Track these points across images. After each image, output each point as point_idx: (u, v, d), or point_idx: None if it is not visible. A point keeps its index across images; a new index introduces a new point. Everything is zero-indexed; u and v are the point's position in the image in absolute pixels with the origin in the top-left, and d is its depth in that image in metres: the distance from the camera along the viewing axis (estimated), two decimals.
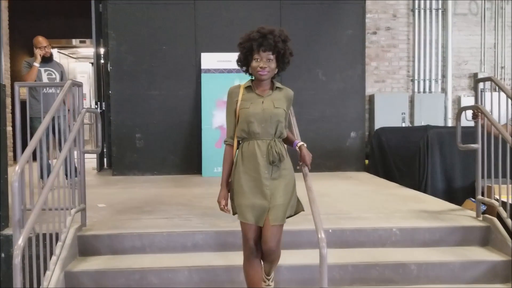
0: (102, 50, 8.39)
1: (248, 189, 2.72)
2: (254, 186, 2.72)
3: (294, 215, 2.87)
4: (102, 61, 8.49)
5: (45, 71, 5.83)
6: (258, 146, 2.72)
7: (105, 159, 8.38)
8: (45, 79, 5.79)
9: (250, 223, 2.71)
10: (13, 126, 3.81)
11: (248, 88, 2.83)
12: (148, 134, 7.31)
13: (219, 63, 7.16)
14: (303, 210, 2.89)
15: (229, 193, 2.84)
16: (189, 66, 7.32)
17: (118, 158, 7.35)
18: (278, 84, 2.85)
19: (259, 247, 2.78)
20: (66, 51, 10.37)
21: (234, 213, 2.85)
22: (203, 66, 7.22)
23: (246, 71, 2.86)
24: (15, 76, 8.76)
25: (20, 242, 2.40)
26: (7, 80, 7.85)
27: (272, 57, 2.71)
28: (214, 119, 7.19)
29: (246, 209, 2.71)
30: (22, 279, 2.46)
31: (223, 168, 2.86)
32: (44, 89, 5.52)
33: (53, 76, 5.91)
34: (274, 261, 2.86)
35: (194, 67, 7.31)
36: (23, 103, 3.77)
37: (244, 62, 2.81)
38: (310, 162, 2.88)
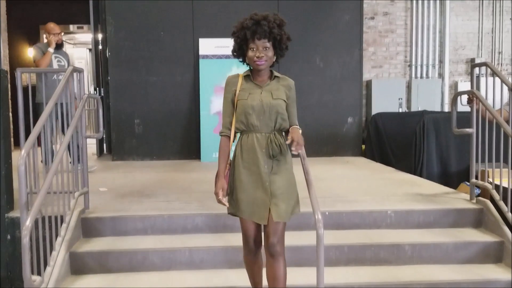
0: (100, 36, 8.41)
1: (248, 184, 2.60)
2: (254, 181, 2.60)
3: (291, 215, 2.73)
4: (100, 47, 8.51)
5: (55, 57, 5.91)
6: (257, 140, 2.60)
7: (104, 145, 8.46)
8: (55, 65, 5.87)
9: (250, 221, 2.63)
10: (13, 112, 3.86)
11: (247, 77, 2.69)
12: (147, 120, 7.37)
13: (217, 49, 7.20)
14: (299, 212, 2.76)
15: (227, 186, 2.69)
16: (187, 52, 7.35)
17: (117, 144, 7.42)
18: (276, 74, 2.71)
19: (260, 245, 2.72)
20: (63, 37, 10.33)
21: (229, 212, 2.72)
22: (201, 52, 7.26)
23: (243, 62, 2.71)
24: (13, 62, 8.79)
25: (28, 223, 2.48)
26: (6, 66, 7.88)
27: (268, 44, 2.56)
28: (212, 105, 7.25)
29: (247, 205, 2.61)
30: (30, 258, 2.54)
31: (220, 159, 2.70)
32: (55, 76, 5.62)
33: (62, 63, 5.99)
34: (278, 268, 2.66)
35: (192, 53, 7.35)
36: (25, 89, 3.82)
37: (240, 53, 2.67)
38: (301, 144, 2.56)
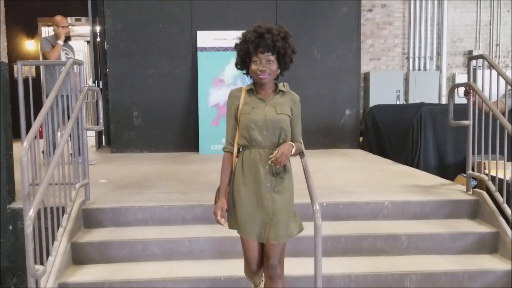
0: (98, 29, 8.41)
1: (248, 202, 2.51)
2: (255, 199, 2.51)
3: (299, 232, 2.67)
4: (98, 39, 8.51)
5: (63, 50, 5.95)
6: (260, 156, 2.50)
7: (103, 137, 8.48)
8: (63, 58, 5.91)
9: (252, 241, 2.54)
10: (12, 104, 3.89)
11: (250, 91, 2.59)
12: (145, 112, 7.39)
13: (214, 41, 7.21)
14: (297, 233, 2.67)
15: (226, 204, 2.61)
16: (185, 44, 7.36)
17: (116, 136, 7.45)
18: (281, 87, 2.62)
19: (262, 266, 2.65)
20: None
21: (231, 227, 2.64)
22: (199, 44, 7.27)
23: (247, 74, 2.60)
24: (11, 55, 8.76)
25: (31, 213, 2.52)
26: (4, 59, 7.88)
27: (272, 58, 2.46)
28: (210, 97, 7.27)
29: (248, 224, 2.53)
30: (33, 248, 2.58)
31: (222, 176, 2.59)
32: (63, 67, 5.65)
33: (69, 55, 6.03)
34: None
35: (190, 45, 7.36)
36: (25, 81, 3.84)
37: (243, 65, 2.58)
38: (279, 159, 2.42)
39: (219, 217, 2.52)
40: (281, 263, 2.61)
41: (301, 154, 2.75)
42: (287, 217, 2.56)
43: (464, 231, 3.76)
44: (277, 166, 2.48)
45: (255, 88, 2.59)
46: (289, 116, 2.55)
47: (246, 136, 2.52)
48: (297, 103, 2.61)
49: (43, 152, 4.18)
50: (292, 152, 2.51)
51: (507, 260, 3.53)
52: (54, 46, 5.78)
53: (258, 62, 2.46)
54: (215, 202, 2.60)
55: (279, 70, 2.56)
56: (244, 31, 2.51)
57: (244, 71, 2.62)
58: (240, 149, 2.60)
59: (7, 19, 8.81)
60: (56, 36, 5.87)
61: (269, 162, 2.45)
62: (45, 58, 5.76)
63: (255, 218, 2.51)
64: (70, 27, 6.06)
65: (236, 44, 2.55)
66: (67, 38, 6.00)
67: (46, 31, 10.02)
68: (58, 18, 5.92)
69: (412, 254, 3.64)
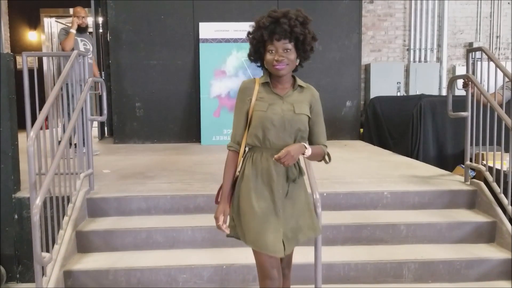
0: (100, 20, 8.43)
1: (261, 211, 2.20)
2: (269, 208, 2.22)
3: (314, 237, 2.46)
4: (101, 30, 8.54)
5: (81, 41, 6.00)
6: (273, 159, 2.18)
7: (106, 128, 8.54)
8: (81, 48, 5.97)
9: (271, 255, 2.19)
10: (17, 95, 3.94)
11: (266, 84, 2.27)
12: (147, 103, 7.44)
13: (217, 33, 7.23)
14: (313, 236, 2.43)
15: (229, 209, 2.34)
16: (187, 35, 7.39)
17: (119, 127, 7.50)
18: (300, 82, 2.33)
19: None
20: (63, 20, 10.34)
21: (232, 235, 2.36)
22: (201, 36, 7.30)
23: (261, 66, 2.31)
24: (14, 45, 8.82)
25: (37, 201, 2.58)
26: (7, 50, 7.93)
27: (289, 46, 2.17)
28: (212, 89, 7.31)
29: (265, 236, 2.18)
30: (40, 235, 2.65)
31: (225, 176, 2.31)
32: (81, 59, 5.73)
33: (88, 46, 6.10)
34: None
35: (193, 36, 7.39)
36: (30, 71, 3.89)
37: (257, 56, 2.27)
38: (282, 159, 2.10)
39: (220, 223, 2.28)
40: (289, 265, 2.47)
41: (325, 158, 2.38)
42: (302, 224, 2.30)
43: (462, 220, 3.81)
44: (289, 182, 2.25)
45: (271, 81, 2.28)
46: (308, 116, 2.28)
47: (259, 136, 2.22)
48: (317, 100, 2.36)
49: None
50: (306, 155, 2.19)
51: (504, 249, 3.59)
52: (68, 34, 5.85)
53: (274, 51, 2.17)
54: (216, 201, 2.37)
55: (298, 60, 2.26)
56: (257, 17, 2.22)
57: (258, 63, 2.32)
58: (246, 149, 2.32)
59: (10, 10, 8.88)
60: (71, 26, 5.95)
61: (273, 158, 2.15)
62: (62, 47, 5.83)
63: (268, 228, 2.19)
64: (86, 18, 6.10)
65: (249, 33, 2.25)
66: (84, 29, 6.05)
67: (49, 22, 10.05)
68: (77, 8, 6.00)
69: (410, 243, 3.69)
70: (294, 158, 2.13)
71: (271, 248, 2.17)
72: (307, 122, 2.27)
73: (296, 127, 2.21)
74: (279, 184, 2.23)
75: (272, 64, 2.17)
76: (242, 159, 2.32)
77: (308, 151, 2.19)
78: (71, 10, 10.56)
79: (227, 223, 2.33)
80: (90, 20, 8.82)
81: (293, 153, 2.11)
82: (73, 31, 5.84)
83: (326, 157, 2.37)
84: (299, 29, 2.16)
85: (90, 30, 7.72)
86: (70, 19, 11.28)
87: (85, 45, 6.06)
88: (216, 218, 2.30)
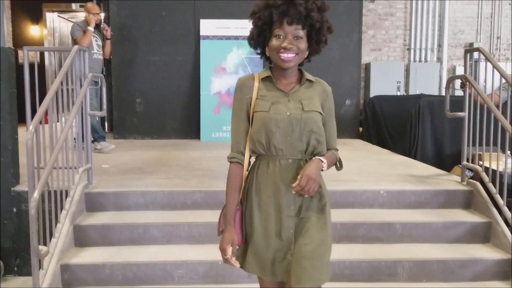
0: (102, 15, 8.44)
1: (263, 231, 1.88)
2: (272, 228, 1.87)
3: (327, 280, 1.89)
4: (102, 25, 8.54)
5: (93, 37, 6.05)
6: (281, 169, 1.85)
7: (106, 123, 8.57)
8: (94, 45, 6.04)
9: (270, 282, 1.92)
10: (17, 90, 3.96)
11: (267, 80, 1.91)
12: (148, 99, 7.48)
13: (218, 30, 7.26)
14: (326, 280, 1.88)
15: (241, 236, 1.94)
16: (188, 32, 7.42)
17: (118, 122, 7.54)
18: (308, 76, 1.96)
19: None
20: (65, 15, 10.37)
21: (249, 270, 1.96)
22: (202, 33, 7.32)
23: (262, 54, 1.95)
24: (16, 40, 8.84)
25: (35, 195, 2.61)
26: (8, 44, 7.95)
27: (302, 33, 1.81)
28: (212, 85, 7.34)
29: (265, 261, 1.89)
30: (37, 229, 2.67)
31: (228, 197, 1.91)
32: (94, 55, 5.92)
33: (99, 42, 6.17)
34: None
35: (193, 33, 7.41)
36: (31, 66, 3.91)
37: (259, 41, 1.89)
38: (305, 188, 1.76)
39: (229, 256, 1.86)
40: None
41: (337, 165, 2.06)
42: (318, 250, 1.84)
43: (458, 220, 3.82)
44: (305, 196, 1.84)
45: (273, 76, 1.92)
46: (320, 113, 1.90)
47: (263, 142, 1.85)
48: (329, 97, 1.97)
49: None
50: (324, 169, 1.86)
51: (499, 249, 3.60)
52: (86, 32, 5.89)
53: (282, 37, 1.80)
54: (219, 230, 1.98)
55: (307, 52, 1.91)
56: None
57: (258, 50, 1.95)
58: (250, 159, 1.94)
59: (13, 5, 8.90)
60: (86, 23, 5.97)
61: (293, 191, 1.80)
62: (76, 43, 5.88)
63: (275, 252, 1.87)
64: (100, 13, 6.16)
65: (253, 12, 1.86)
66: (97, 25, 6.09)
67: (51, 16, 10.07)
68: (89, 5, 6.05)
69: (406, 242, 3.70)
70: (317, 181, 1.80)
71: (271, 275, 1.90)
72: (320, 121, 1.89)
73: (308, 128, 1.84)
74: (288, 199, 1.85)
75: (278, 51, 1.81)
76: (246, 172, 1.92)
77: (325, 164, 1.86)
78: (73, 5, 10.65)
79: (236, 254, 1.92)
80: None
81: (314, 176, 1.78)
82: (91, 28, 5.91)
83: (338, 164, 2.06)
84: (316, 14, 1.79)
85: None
86: (72, 14, 11.41)
87: (97, 41, 6.12)
88: (223, 250, 1.88)
